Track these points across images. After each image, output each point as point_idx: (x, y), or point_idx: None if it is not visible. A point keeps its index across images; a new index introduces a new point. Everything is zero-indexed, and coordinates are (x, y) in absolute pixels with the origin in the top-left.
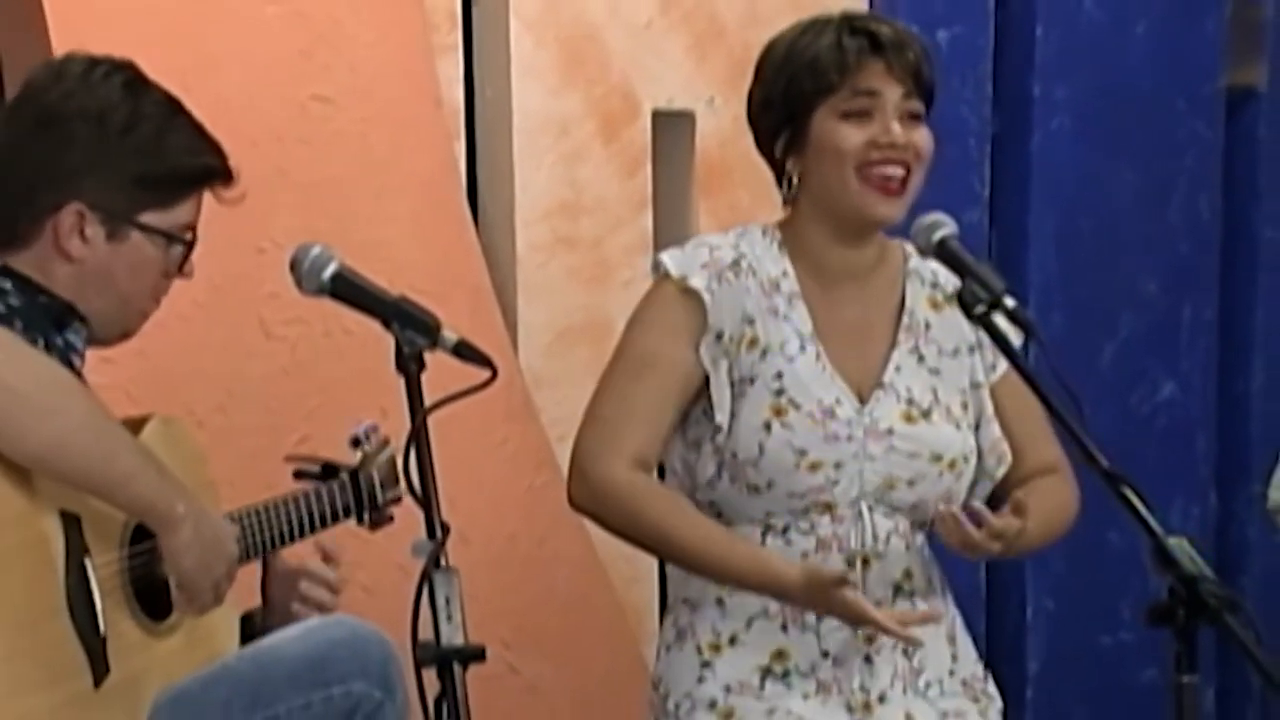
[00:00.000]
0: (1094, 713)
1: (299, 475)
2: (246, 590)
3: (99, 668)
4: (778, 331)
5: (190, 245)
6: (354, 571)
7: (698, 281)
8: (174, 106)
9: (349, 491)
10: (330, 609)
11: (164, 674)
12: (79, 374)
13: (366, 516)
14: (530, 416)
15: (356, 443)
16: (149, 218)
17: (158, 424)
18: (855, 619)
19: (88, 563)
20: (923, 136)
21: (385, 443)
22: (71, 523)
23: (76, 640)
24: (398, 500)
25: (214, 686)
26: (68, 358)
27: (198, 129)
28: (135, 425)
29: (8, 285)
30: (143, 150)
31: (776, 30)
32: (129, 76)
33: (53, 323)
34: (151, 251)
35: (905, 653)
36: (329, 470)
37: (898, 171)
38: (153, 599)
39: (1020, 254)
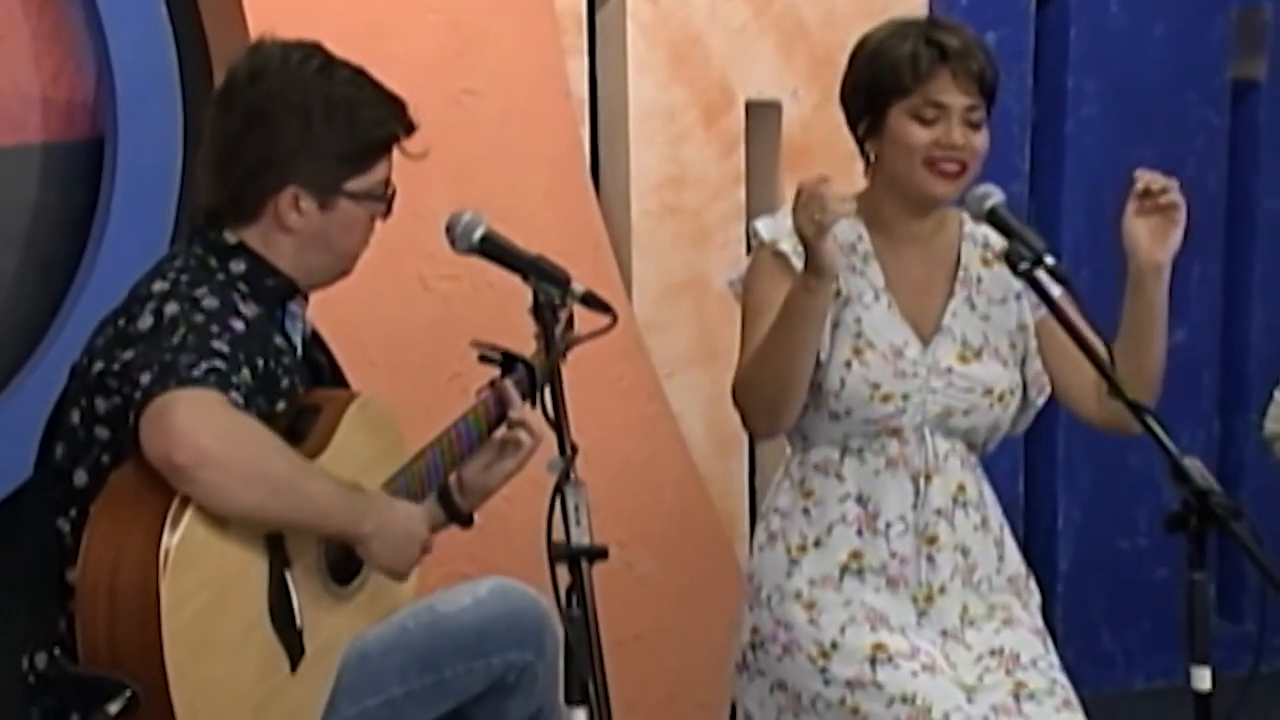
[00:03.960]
0: (1114, 605)
1: (483, 359)
2: None
3: (295, 654)
4: (855, 285)
5: (390, 198)
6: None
7: (786, 246)
8: (360, 79)
9: (525, 382)
10: (533, 447)
11: (352, 630)
12: (298, 339)
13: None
14: (642, 357)
15: (536, 311)
16: (353, 184)
17: (356, 408)
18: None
19: (288, 575)
20: (980, 140)
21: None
22: (275, 543)
23: (276, 640)
24: (576, 342)
25: (393, 651)
26: (288, 328)
27: (381, 94)
28: (341, 404)
29: (243, 269)
30: (341, 130)
31: (851, 32)
32: (320, 61)
33: (279, 302)
34: (359, 210)
35: (963, 553)
36: (508, 359)
37: (955, 166)
38: (344, 563)
39: (1055, 221)
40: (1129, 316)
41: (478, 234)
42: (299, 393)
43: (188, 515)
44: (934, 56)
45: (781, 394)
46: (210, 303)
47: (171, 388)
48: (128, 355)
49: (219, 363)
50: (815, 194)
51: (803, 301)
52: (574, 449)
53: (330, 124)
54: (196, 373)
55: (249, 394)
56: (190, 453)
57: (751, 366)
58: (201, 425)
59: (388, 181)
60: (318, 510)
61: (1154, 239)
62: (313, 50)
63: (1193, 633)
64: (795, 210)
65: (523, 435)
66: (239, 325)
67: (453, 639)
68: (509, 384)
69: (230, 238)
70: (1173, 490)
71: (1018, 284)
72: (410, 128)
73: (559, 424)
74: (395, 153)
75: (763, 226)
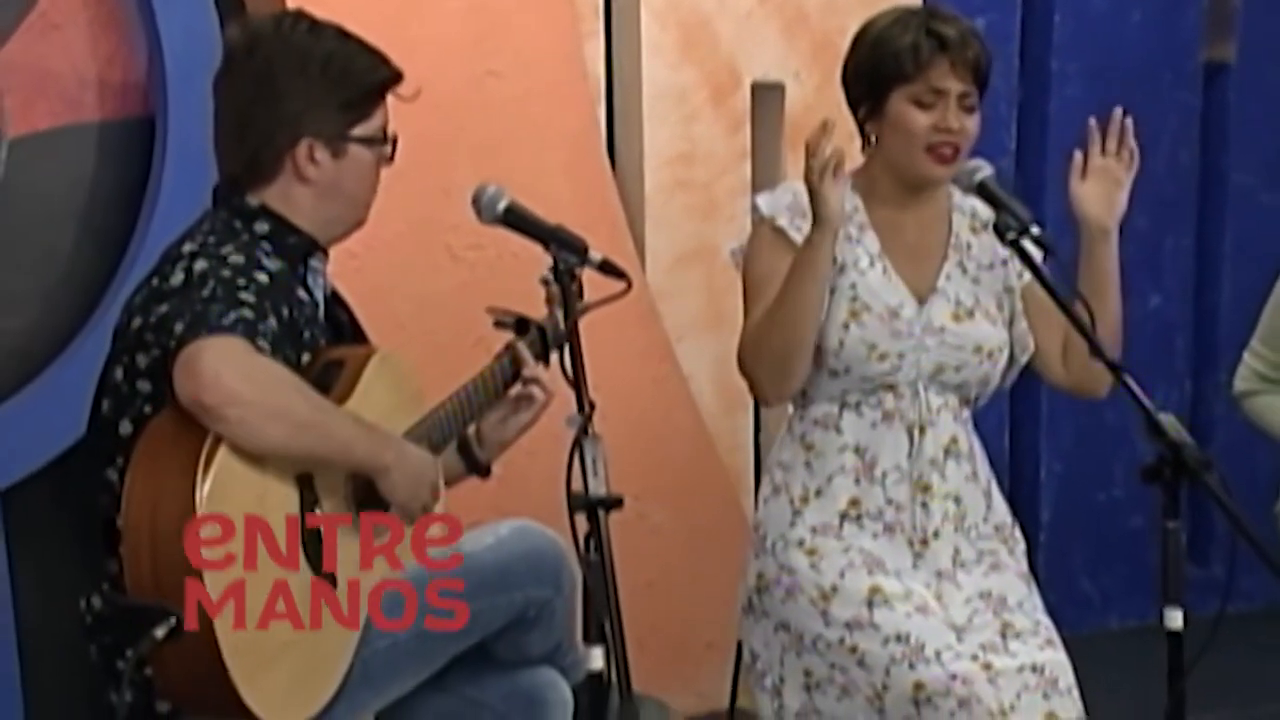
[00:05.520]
0: (1092, 552)
1: (499, 324)
2: None
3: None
4: (851, 252)
5: (394, 141)
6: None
7: (783, 221)
8: (344, 35)
9: (538, 343)
10: (545, 402)
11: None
12: (320, 295)
13: (554, 353)
14: (655, 321)
15: (547, 282)
16: (358, 130)
17: (376, 362)
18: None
19: (318, 511)
20: (973, 124)
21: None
22: (305, 482)
23: (310, 572)
24: (584, 311)
25: (419, 587)
26: (310, 284)
27: (365, 46)
28: (362, 358)
29: (266, 229)
30: (340, 80)
31: (851, 18)
32: (308, 23)
33: (301, 258)
34: (367, 156)
35: (955, 501)
36: (521, 323)
37: (950, 150)
38: (371, 503)
39: (1039, 194)
40: (1083, 282)
41: (502, 205)
42: (321, 346)
43: (220, 454)
44: (934, 46)
45: (794, 349)
46: (236, 259)
47: (203, 335)
48: (162, 309)
49: (247, 312)
50: (819, 143)
51: (805, 253)
52: (591, 406)
53: (328, 77)
54: (226, 321)
55: (275, 341)
56: (216, 393)
57: (760, 327)
58: (226, 368)
59: (387, 127)
60: (341, 444)
61: (1100, 204)
62: (298, 15)
63: (1166, 576)
64: (806, 159)
65: (535, 391)
66: (263, 277)
67: (476, 575)
68: (522, 345)
69: (252, 201)
70: (1148, 444)
71: (1003, 251)
72: (397, 74)
73: (578, 383)
74: (415, 133)
75: (763, 202)
